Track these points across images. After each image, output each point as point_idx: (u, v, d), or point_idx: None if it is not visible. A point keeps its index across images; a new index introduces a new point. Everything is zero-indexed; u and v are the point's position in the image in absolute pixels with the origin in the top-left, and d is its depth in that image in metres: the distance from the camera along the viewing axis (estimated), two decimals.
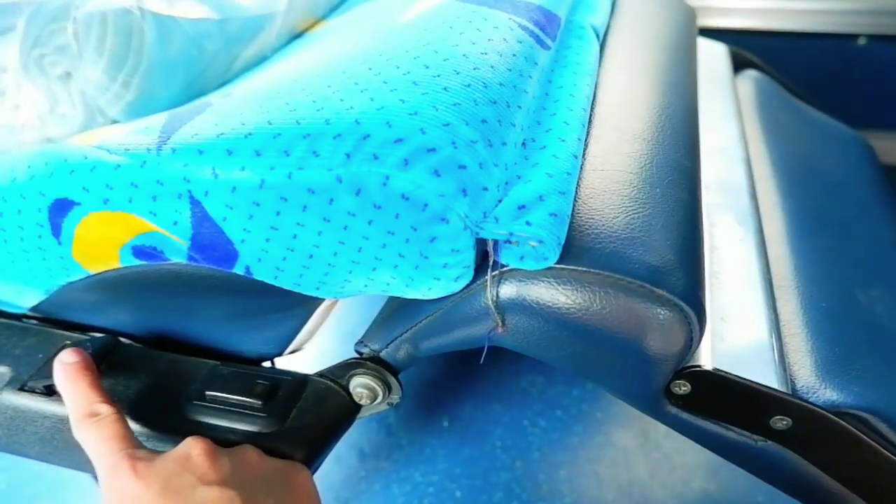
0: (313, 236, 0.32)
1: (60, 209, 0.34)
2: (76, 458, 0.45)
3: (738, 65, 0.72)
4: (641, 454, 0.88)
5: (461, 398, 0.93)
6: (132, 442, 0.33)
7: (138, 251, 0.35)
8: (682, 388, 0.33)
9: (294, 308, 0.41)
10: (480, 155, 0.30)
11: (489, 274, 0.31)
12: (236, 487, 0.30)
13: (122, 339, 0.45)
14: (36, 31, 0.44)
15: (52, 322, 0.47)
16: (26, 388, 0.42)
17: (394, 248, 0.31)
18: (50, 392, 0.42)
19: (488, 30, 0.36)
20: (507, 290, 0.32)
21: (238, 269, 0.35)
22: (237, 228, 0.32)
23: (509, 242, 0.31)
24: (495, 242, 0.31)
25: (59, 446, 0.43)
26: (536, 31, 0.39)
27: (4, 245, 0.37)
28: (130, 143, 0.33)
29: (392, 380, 0.40)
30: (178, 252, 0.35)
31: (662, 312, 0.30)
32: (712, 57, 0.69)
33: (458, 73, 0.32)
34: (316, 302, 0.41)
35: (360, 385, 0.41)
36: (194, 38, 0.47)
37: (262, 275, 0.35)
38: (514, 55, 0.35)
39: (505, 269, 0.32)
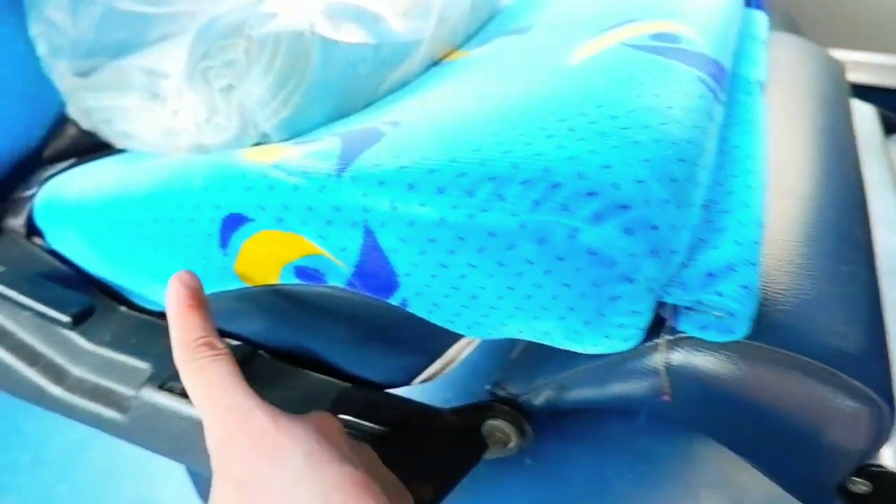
0: (482, 278, 0.31)
1: (233, 223, 0.35)
2: (201, 460, 0.46)
3: (888, 128, 0.68)
4: None
5: (544, 437, 0.90)
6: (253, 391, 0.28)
7: (300, 271, 0.35)
8: (861, 487, 0.30)
9: (433, 340, 0.41)
10: (672, 216, 0.28)
11: (663, 338, 0.30)
12: (371, 477, 0.27)
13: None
14: (206, 45, 0.46)
15: None
16: (165, 387, 0.43)
17: (566, 300, 0.30)
18: (185, 395, 0.43)
19: (670, 82, 0.35)
20: (681, 357, 0.30)
21: (394, 300, 0.35)
22: (405, 262, 0.32)
23: (691, 309, 0.29)
24: (675, 307, 0.30)
25: (188, 447, 0.44)
26: (713, 84, 0.38)
27: (169, 248, 0.39)
28: (309, 167, 0.33)
29: (528, 427, 0.39)
30: (338, 276, 0.35)
31: (852, 404, 0.28)
32: (863, 118, 0.65)
33: (646, 128, 0.31)
34: (457, 337, 0.40)
35: (494, 428, 0.40)
36: (352, 61, 0.48)
37: (417, 308, 0.35)
38: (696, 110, 0.34)
39: (681, 335, 0.30)
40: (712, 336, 0.29)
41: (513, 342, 0.44)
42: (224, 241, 0.36)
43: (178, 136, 0.52)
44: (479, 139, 0.31)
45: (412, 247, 0.31)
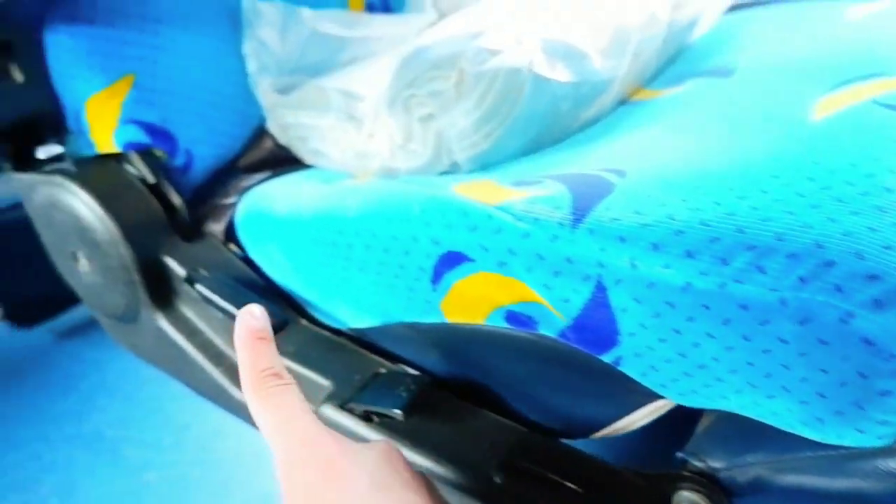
0: (719, 350, 0.29)
1: (450, 261, 0.35)
2: None
3: None
4: None
5: None
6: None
7: (512, 316, 0.35)
8: None
9: (627, 398, 0.39)
10: None
11: None
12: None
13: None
14: (413, 74, 0.47)
15: (362, 343, 0.49)
16: (346, 407, 0.44)
17: (817, 385, 0.27)
18: (368, 418, 0.43)
19: None
20: None
21: (606, 358, 0.34)
22: (633, 322, 0.31)
23: None
24: None
25: None
26: None
27: (376, 275, 0.39)
28: (540, 214, 0.32)
29: None
30: (552, 326, 0.34)
31: None
32: None
33: None
34: (656, 398, 0.38)
35: (687, 501, 0.37)
36: (555, 99, 0.47)
37: (631, 368, 0.33)
38: None
39: None
40: None
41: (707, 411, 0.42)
42: (437, 277, 0.36)
43: (371, 158, 0.54)
44: (728, 201, 0.29)
45: (646, 308, 0.30)
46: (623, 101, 0.57)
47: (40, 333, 1.26)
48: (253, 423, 0.51)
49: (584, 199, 0.32)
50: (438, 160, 0.49)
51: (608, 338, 0.32)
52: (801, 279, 0.26)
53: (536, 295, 0.33)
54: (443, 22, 0.76)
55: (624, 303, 0.30)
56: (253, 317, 0.33)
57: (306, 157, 0.59)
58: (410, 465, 0.30)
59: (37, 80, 0.50)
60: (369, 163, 0.53)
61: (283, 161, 0.60)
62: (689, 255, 0.28)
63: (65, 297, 1.23)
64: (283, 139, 0.59)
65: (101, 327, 0.63)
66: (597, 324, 0.32)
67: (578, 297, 0.32)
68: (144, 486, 0.94)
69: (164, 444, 1.02)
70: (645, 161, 0.37)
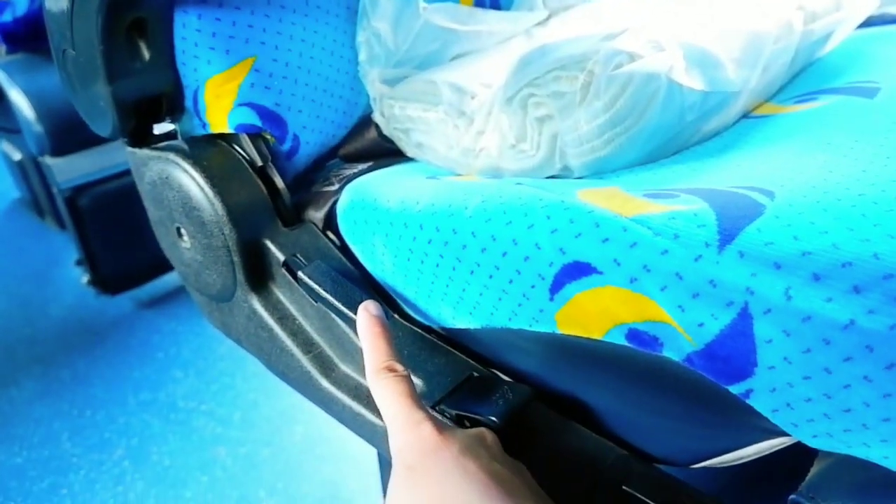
0: (874, 396, 0.27)
1: (575, 272, 0.33)
2: None
3: None
4: None
5: None
6: (427, 409, 0.34)
7: (634, 335, 0.33)
8: None
9: (744, 433, 0.36)
10: None
11: None
12: (521, 481, 0.31)
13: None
14: (535, 73, 0.45)
15: (454, 343, 0.48)
16: (437, 409, 0.43)
17: None
18: (460, 423, 0.42)
19: None
20: None
21: (735, 389, 0.31)
22: (777, 356, 0.28)
23: None
24: None
25: None
26: None
27: (488, 279, 0.38)
28: (682, 231, 0.30)
29: None
30: (678, 351, 0.32)
31: None
32: None
33: None
34: (776, 436, 0.35)
35: None
36: (684, 108, 0.45)
37: (762, 403, 0.31)
38: None
39: None
40: None
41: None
42: (556, 287, 0.34)
43: (477, 156, 0.53)
44: None
45: (796, 343, 0.27)
46: (746, 115, 0.54)
47: (122, 301, 1.31)
48: (343, 418, 0.51)
49: (732, 220, 0.30)
50: (550, 163, 0.48)
51: (742, 369, 0.30)
52: None
53: (667, 315, 0.31)
54: (555, 19, 0.75)
55: (770, 334, 0.28)
56: (370, 313, 0.39)
57: (409, 150, 0.58)
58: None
59: (161, 60, 0.51)
60: (475, 161, 0.52)
61: (386, 153, 0.60)
62: (857, 290, 0.26)
63: (149, 269, 1.28)
64: (387, 130, 0.58)
65: (180, 300, 0.65)
66: (732, 353, 0.30)
67: (716, 323, 0.29)
68: (214, 459, 0.96)
69: (234, 420, 1.04)
70: (795, 182, 0.34)
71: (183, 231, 0.55)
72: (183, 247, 0.56)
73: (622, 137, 0.43)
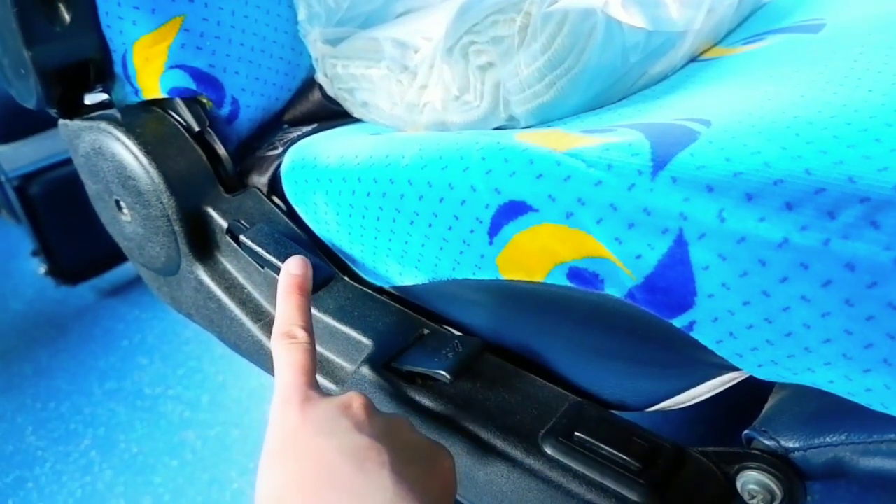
0: (813, 316, 0.26)
1: (511, 211, 0.32)
2: None
3: None
4: None
5: None
6: (311, 378, 0.33)
7: (575, 273, 0.32)
8: None
9: (695, 370, 0.36)
10: None
11: None
12: (386, 444, 0.30)
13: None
14: (474, 20, 0.44)
15: (405, 302, 0.47)
16: (389, 367, 0.42)
17: None
18: (411, 379, 0.41)
19: None
20: None
21: (678, 322, 0.31)
22: (715, 282, 0.28)
23: None
24: None
25: None
26: None
27: (428, 227, 0.37)
28: (615, 160, 0.29)
29: (799, 488, 0.34)
30: (619, 286, 0.31)
31: None
32: None
33: None
34: (727, 370, 0.35)
35: (755, 482, 0.34)
36: (626, 48, 0.43)
37: (705, 335, 0.30)
38: None
39: None
40: None
41: (776, 384, 0.39)
42: (494, 229, 0.33)
43: (422, 111, 0.51)
44: (837, 150, 0.26)
45: (732, 266, 0.27)
46: (695, 59, 0.53)
47: (83, 291, 1.27)
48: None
49: (665, 147, 0.29)
50: (495, 113, 0.46)
51: (683, 300, 0.29)
52: None
53: (605, 250, 0.30)
54: None
55: (706, 260, 0.27)
56: (296, 268, 0.38)
57: (355, 111, 0.57)
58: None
59: (84, 23, 0.48)
60: (420, 116, 0.51)
61: (332, 115, 0.58)
62: (790, 206, 0.25)
63: (109, 257, 1.24)
64: (331, 91, 0.56)
65: (142, 287, 0.62)
66: (672, 283, 0.29)
67: (653, 252, 0.29)
68: (183, 443, 0.95)
69: (203, 403, 1.02)
70: (733, 110, 0.33)
71: (122, 203, 0.53)
72: (123, 220, 0.54)
73: (563, 80, 0.42)
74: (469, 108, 0.47)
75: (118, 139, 0.49)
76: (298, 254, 0.46)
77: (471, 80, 0.46)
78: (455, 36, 0.45)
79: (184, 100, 0.51)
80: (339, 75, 0.56)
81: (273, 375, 0.35)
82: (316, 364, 0.34)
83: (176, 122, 0.51)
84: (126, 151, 0.49)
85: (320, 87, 0.58)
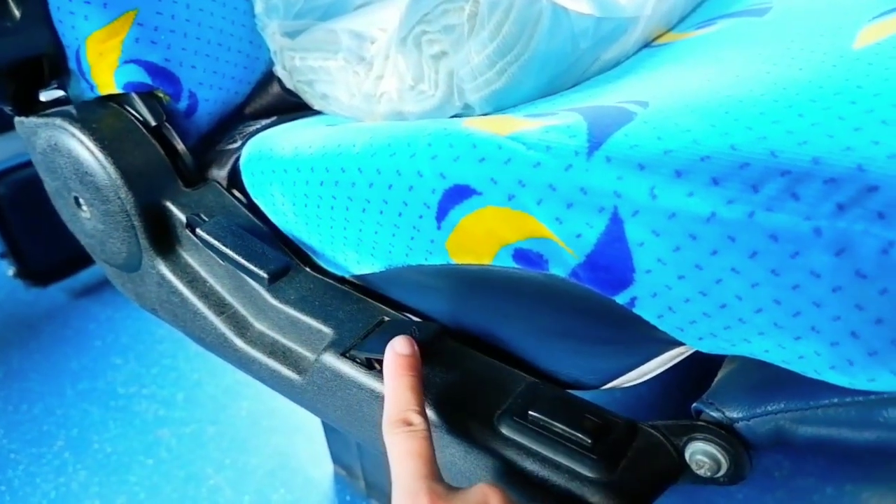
0: (743, 286, 0.27)
1: (456, 195, 0.33)
2: (372, 434, 0.45)
3: None
4: None
5: None
6: (434, 469, 0.31)
7: (520, 255, 0.33)
8: None
9: (643, 346, 0.37)
10: None
11: None
12: None
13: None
14: (426, 9, 0.44)
15: (367, 292, 0.48)
16: (347, 354, 0.42)
17: (852, 324, 0.25)
18: (370, 366, 0.42)
19: None
20: None
21: (620, 299, 0.32)
22: (650, 258, 0.29)
23: None
24: None
25: (361, 419, 0.43)
26: None
27: (380, 214, 0.37)
28: (553, 142, 0.30)
29: (744, 457, 0.35)
30: (562, 265, 0.32)
31: None
32: None
33: None
34: (672, 346, 0.36)
35: (702, 453, 0.35)
36: (575, 34, 0.44)
37: (646, 310, 0.31)
38: None
39: None
40: None
41: (726, 358, 0.40)
42: (442, 214, 0.34)
43: (379, 101, 0.52)
44: (761, 126, 0.27)
45: (666, 242, 0.28)
46: (648, 44, 0.54)
47: (54, 292, 1.26)
48: (260, 376, 0.50)
49: (601, 128, 0.30)
50: (450, 102, 0.47)
51: (623, 276, 0.30)
52: (840, 206, 0.24)
53: (547, 230, 0.31)
54: None
55: (641, 236, 0.28)
56: (404, 348, 0.36)
57: (314, 103, 0.57)
58: None
59: (35, 18, 0.48)
60: (377, 106, 0.51)
61: (292, 107, 0.58)
62: (716, 181, 0.26)
63: (80, 257, 1.23)
64: (290, 83, 0.57)
65: (115, 287, 0.62)
66: (611, 261, 0.30)
67: (592, 231, 0.29)
68: (158, 442, 0.95)
69: (178, 401, 1.02)
70: (672, 92, 0.34)
71: (81, 200, 0.53)
72: (83, 217, 0.54)
73: (514, 67, 0.43)
74: (424, 97, 0.48)
75: (74, 135, 0.49)
76: (257, 246, 0.46)
77: (425, 69, 0.47)
78: (408, 26, 0.46)
79: (140, 94, 0.51)
80: (297, 68, 0.56)
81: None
82: (434, 453, 0.32)
83: (132, 117, 0.51)
84: (82, 147, 0.49)
85: (279, 80, 0.58)
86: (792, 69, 0.32)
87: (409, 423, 0.32)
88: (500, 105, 0.45)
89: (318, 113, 0.57)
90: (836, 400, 0.30)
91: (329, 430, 0.86)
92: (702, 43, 0.48)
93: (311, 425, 0.93)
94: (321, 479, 0.90)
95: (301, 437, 0.94)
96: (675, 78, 0.39)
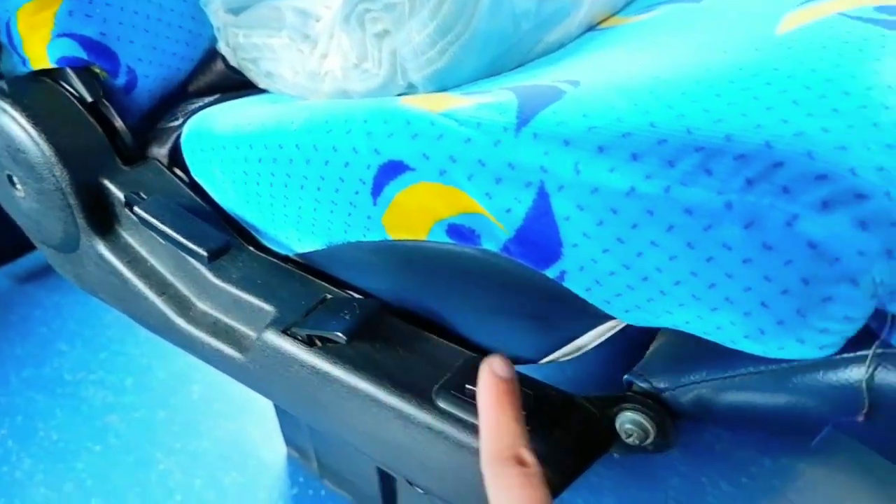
0: (662, 259, 0.28)
1: (391, 171, 0.33)
2: (315, 413, 0.45)
3: None
4: None
5: None
6: None
7: (453, 230, 0.33)
8: None
9: (576, 320, 0.38)
10: None
11: (872, 351, 0.26)
12: None
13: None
14: None
15: (311, 271, 0.48)
16: (289, 332, 0.42)
17: (761, 294, 0.27)
18: (311, 342, 0.42)
19: None
20: (890, 377, 0.26)
21: (551, 273, 0.32)
22: (576, 232, 0.29)
23: None
24: (893, 318, 0.26)
25: (303, 397, 0.44)
26: None
27: (317, 191, 0.37)
28: (484, 118, 0.30)
29: (670, 425, 0.36)
30: (494, 240, 0.33)
31: None
32: None
33: (887, 109, 0.26)
34: (604, 319, 0.37)
35: (630, 422, 0.37)
36: (516, 15, 0.45)
37: (575, 283, 0.32)
38: None
39: (893, 349, 0.26)
40: None
41: (654, 328, 0.41)
42: (377, 190, 0.34)
43: (323, 80, 0.51)
44: (681, 105, 0.28)
45: (589, 216, 0.28)
46: (592, 28, 0.55)
47: None
48: (203, 356, 0.49)
49: (531, 105, 0.31)
50: (394, 81, 0.47)
51: (551, 250, 0.31)
52: (748, 181, 0.25)
53: (478, 205, 0.31)
54: None
55: (567, 211, 0.29)
56: (504, 370, 0.31)
57: (259, 81, 0.56)
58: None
59: None
60: (322, 85, 0.51)
61: (237, 85, 0.58)
62: (635, 157, 0.27)
63: (23, 242, 1.20)
64: (234, 61, 0.56)
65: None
66: (539, 235, 0.31)
67: (521, 206, 0.30)
68: (106, 428, 0.93)
69: (127, 386, 1.01)
70: (602, 73, 0.35)
71: (14, 178, 0.51)
72: (18, 196, 0.52)
73: (454, 46, 0.43)
74: (368, 76, 0.48)
75: (5, 111, 0.47)
76: (197, 225, 0.46)
77: (368, 47, 0.47)
78: (351, 3, 0.46)
79: (75, 70, 0.49)
80: (241, 45, 0.55)
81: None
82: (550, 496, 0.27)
83: (67, 93, 0.49)
84: (14, 124, 0.47)
85: (223, 58, 0.57)
86: (718, 53, 0.33)
87: (524, 463, 0.27)
88: (443, 85, 0.46)
89: (263, 91, 0.57)
90: (751, 369, 0.32)
91: (281, 413, 0.86)
92: (642, 27, 0.49)
93: (263, 408, 0.93)
94: (274, 461, 0.90)
95: (253, 420, 0.94)
96: (611, 60, 0.40)
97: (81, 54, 0.49)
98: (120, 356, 1.07)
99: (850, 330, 0.26)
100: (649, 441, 0.37)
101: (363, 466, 0.72)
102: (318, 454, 0.83)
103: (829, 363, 0.28)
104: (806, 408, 0.30)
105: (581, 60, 0.43)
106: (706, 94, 0.28)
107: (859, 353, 0.27)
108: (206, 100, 0.55)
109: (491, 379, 0.30)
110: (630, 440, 0.37)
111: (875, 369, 0.26)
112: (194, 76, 0.58)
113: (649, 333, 0.42)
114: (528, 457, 0.27)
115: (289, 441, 0.90)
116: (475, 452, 0.36)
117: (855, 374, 0.27)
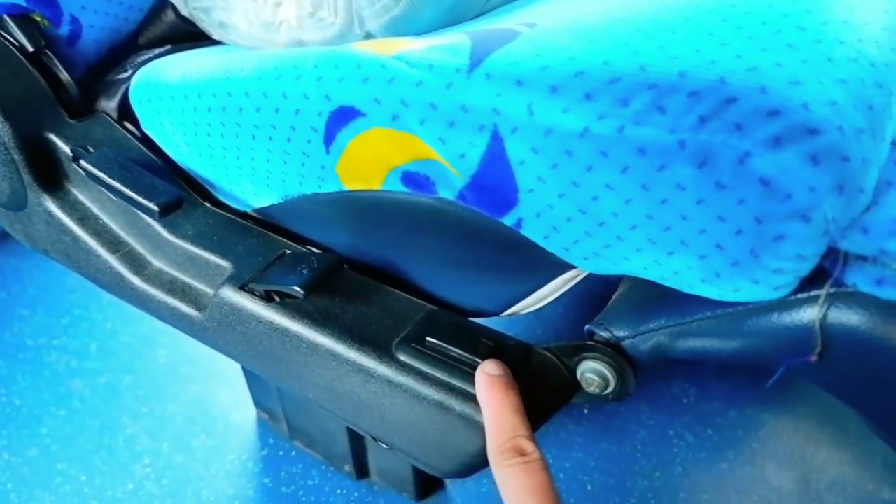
0: (618, 203, 0.28)
1: (342, 118, 0.32)
2: (272, 369, 0.44)
3: None
4: (797, 501, 0.80)
5: None
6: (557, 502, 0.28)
7: (408, 178, 0.33)
8: None
9: (535, 271, 0.38)
10: (865, 148, 0.24)
11: (825, 290, 0.26)
12: None
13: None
14: None
15: (270, 227, 0.47)
16: (246, 288, 0.42)
17: (715, 236, 0.26)
18: (269, 298, 0.41)
19: None
20: (842, 316, 0.26)
21: (507, 220, 0.32)
22: (531, 176, 0.29)
23: (865, 260, 0.25)
24: (846, 256, 0.26)
25: (263, 354, 0.43)
26: None
27: (269, 140, 0.36)
28: (435, 60, 0.29)
29: (629, 373, 0.36)
30: (449, 187, 0.32)
31: None
32: None
33: (842, 43, 0.26)
34: (564, 269, 0.37)
35: (591, 371, 0.37)
36: None
37: (532, 230, 0.32)
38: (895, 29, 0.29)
39: (846, 289, 0.26)
40: (888, 293, 0.25)
41: (617, 280, 0.41)
42: (329, 138, 0.33)
43: (278, 29, 0.50)
44: (635, 42, 0.27)
45: (544, 159, 0.28)
46: None
47: None
48: (159, 314, 0.48)
49: (484, 46, 0.30)
50: (351, 30, 0.45)
51: (507, 197, 0.30)
52: (702, 118, 0.25)
53: (432, 151, 0.31)
54: None
55: (521, 154, 0.28)
56: (495, 368, 0.33)
57: (212, 32, 0.54)
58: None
59: None
60: (277, 35, 0.49)
61: (189, 36, 0.55)
62: (589, 97, 0.26)
63: None
64: (185, 10, 0.53)
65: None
66: (495, 181, 0.30)
67: (475, 150, 0.29)
68: (70, 393, 0.92)
69: (91, 351, 0.99)
70: (560, 15, 0.34)
71: None
72: None
73: None
74: (325, 24, 0.46)
75: None
76: (146, 178, 0.44)
77: None
78: None
79: (14, 18, 0.47)
80: None
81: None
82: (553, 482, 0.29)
83: (6, 43, 0.47)
84: None
85: (174, 7, 0.55)
86: None
87: (523, 453, 0.29)
88: (401, 33, 0.44)
89: (217, 43, 0.54)
90: (709, 314, 0.31)
91: (250, 375, 0.85)
92: None
93: (230, 371, 0.92)
94: (243, 423, 0.89)
95: (221, 383, 0.93)
96: (571, 5, 0.39)
97: (20, 1, 0.46)
98: (83, 321, 1.05)
99: (804, 269, 0.26)
100: (610, 390, 0.37)
101: (332, 427, 0.72)
102: (288, 415, 0.83)
103: (783, 304, 0.28)
104: (761, 350, 0.30)
105: (542, 5, 0.41)
106: (661, 31, 0.28)
107: (813, 293, 0.27)
108: (157, 51, 0.53)
109: (486, 378, 0.33)
110: (591, 389, 0.37)
111: (828, 309, 0.26)
112: (144, 27, 0.56)
113: (613, 287, 0.42)
114: (528, 446, 0.29)
115: (258, 403, 0.89)
116: (435, 405, 0.36)
117: (808, 314, 0.27)
